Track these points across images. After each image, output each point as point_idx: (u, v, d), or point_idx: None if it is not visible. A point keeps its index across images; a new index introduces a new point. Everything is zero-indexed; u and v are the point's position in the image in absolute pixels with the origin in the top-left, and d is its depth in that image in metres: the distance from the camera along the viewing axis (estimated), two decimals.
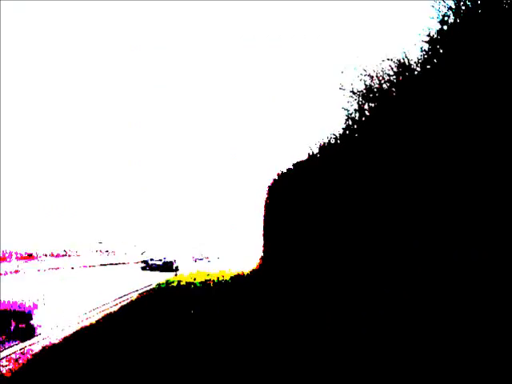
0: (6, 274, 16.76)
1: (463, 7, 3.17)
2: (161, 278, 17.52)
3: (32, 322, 6.78)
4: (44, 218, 36.20)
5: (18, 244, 25.42)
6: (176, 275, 18.44)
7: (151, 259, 24.25)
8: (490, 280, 3.09)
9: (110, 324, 6.03)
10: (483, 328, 3.03)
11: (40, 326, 6.48)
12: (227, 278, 16.41)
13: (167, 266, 23.67)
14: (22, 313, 7.30)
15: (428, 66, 4.05)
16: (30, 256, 25.39)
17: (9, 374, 3.75)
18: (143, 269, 24.38)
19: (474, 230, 3.33)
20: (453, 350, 3.26)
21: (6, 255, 23.02)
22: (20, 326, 6.54)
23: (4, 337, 5.55)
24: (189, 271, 22.10)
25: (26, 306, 7.97)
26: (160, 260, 24.17)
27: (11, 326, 6.41)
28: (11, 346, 5.00)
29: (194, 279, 15.28)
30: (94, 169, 51.12)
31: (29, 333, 5.96)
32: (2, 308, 7.62)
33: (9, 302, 8.47)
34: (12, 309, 7.60)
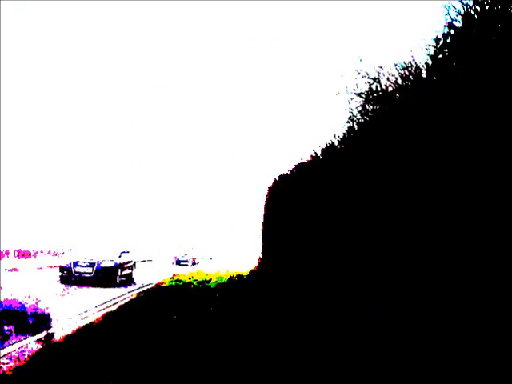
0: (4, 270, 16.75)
1: (472, 12, 3.21)
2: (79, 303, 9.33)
3: (47, 314, 7.13)
4: (43, 218, 36.24)
5: (15, 242, 25.40)
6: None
7: (75, 263, 13.67)
8: (492, 278, 3.11)
9: None
10: (485, 326, 3.05)
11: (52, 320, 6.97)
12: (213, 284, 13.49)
13: (105, 276, 13.58)
14: (38, 308, 7.64)
15: (435, 70, 4.08)
16: (27, 255, 25.37)
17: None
18: (63, 280, 13.66)
19: (478, 231, 3.35)
20: (454, 349, 3.28)
21: (4, 253, 22.99)
22: (35, 319, 7.03)
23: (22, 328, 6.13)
24: (157, 280, 16.04)
25: (41, 301, 8.30)
26: (91, 265, 13.58)
27: (28, 319, 6.89)
28: (27, 338, 5.67)
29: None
30: (94, 169, 51.22)
31: (44, 325, 6.39)
32: (18, 304, 7.99)
33: (24, 297, 8.81)
34: (27, 304, 7.95)
